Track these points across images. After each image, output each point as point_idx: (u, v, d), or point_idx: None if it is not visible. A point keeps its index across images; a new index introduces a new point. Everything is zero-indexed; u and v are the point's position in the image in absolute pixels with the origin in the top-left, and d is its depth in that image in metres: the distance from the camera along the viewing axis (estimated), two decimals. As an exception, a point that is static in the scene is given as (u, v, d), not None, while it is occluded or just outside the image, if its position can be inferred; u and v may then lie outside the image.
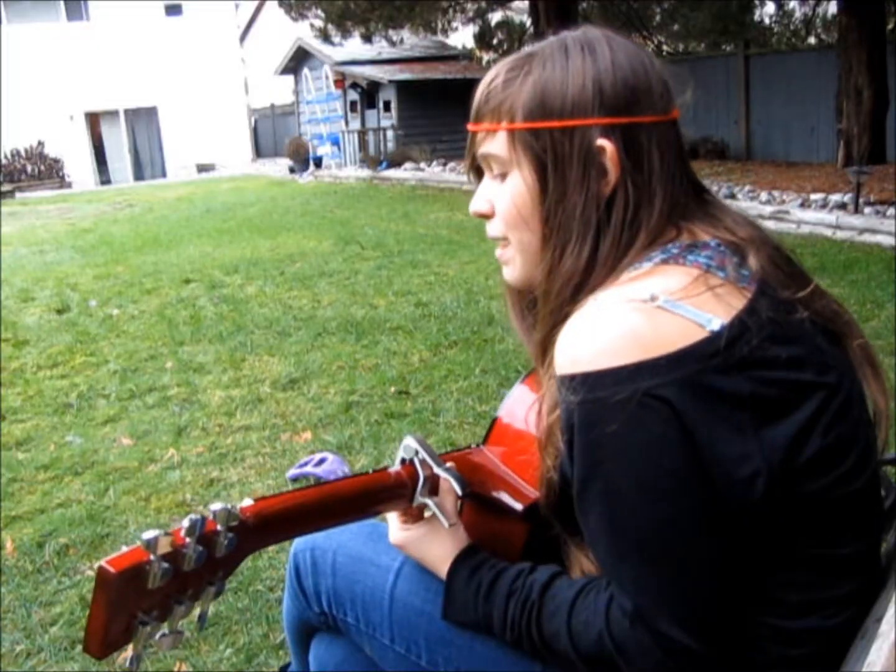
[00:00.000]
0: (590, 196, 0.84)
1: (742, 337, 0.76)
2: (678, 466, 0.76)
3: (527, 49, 0.90)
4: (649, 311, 0.76)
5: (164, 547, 0.77)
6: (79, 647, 1.98)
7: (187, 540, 0.80)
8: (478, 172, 0.96)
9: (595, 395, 0.76)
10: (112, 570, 0.75)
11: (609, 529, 0.80)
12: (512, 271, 0.95)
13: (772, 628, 0.83)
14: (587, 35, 0.88)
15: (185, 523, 0.79)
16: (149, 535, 0.76)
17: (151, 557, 0.77)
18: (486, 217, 0.94)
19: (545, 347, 0.89)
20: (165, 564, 0.77)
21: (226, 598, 2.13)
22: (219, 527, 0.82)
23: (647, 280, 0.80)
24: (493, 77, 0.89)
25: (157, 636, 0.81)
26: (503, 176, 0.90)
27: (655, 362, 0.74)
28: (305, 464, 2.92)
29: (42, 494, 2.85)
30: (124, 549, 0.78)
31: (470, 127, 0.92)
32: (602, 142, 0.84)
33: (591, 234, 0.85)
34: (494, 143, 0.89)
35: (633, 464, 0.76)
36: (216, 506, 0.82)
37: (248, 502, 0.88)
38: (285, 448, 3.15)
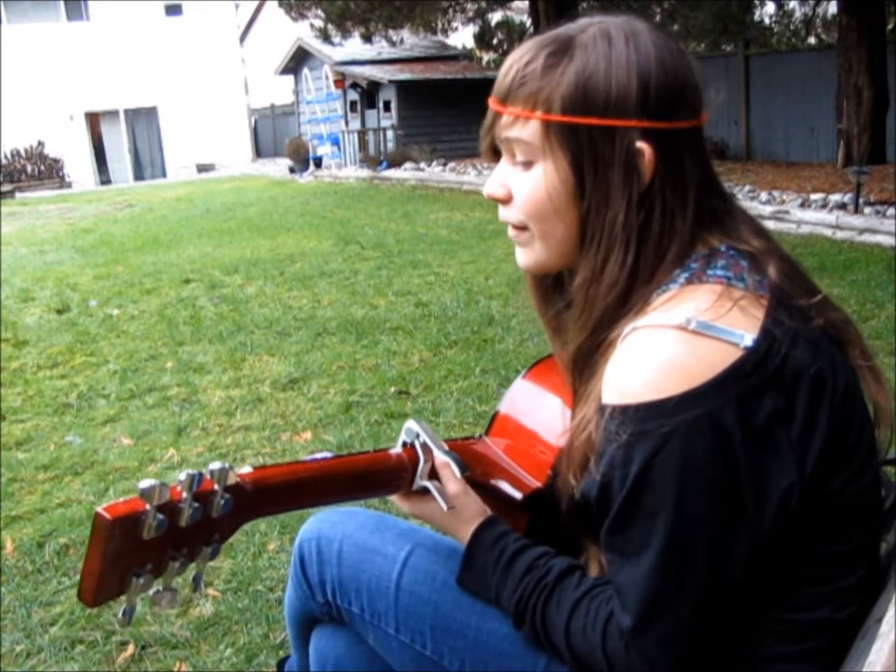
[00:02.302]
0: (631, 201, 0.83)
1: (772, 348, 0.77)
2: (723, 492, 0.77)
3: (563, 30, 0.87)
4: (687, 338, 0.77)
5: (160, 498, 0.77)
6: (79, 647, 1.98)
7: (184, 494, 0.80)
8: (495, 153, 0.92)
9: (642, 428, 0.77)
10: (108, 516, 0.76)
11: (645, 552, 0.80)
12: (528, 256, 0.93)
13: (781, 622, 0.84)
14: (631, 26, 0.85)
15: (182, 477, 0.80)
16: (145, 484, 0.77)
17: (147, 507, 0.77)
18: (501, 202, 0.91)
19: (581, 356, 0.89)
20: (161, 516, 0.78)
21: (226, 597, 2.13)
22: (216, 486, 0.82)
23: (678, 304, 0.80)
24: (529, 59, 0.85)
25: (152, 592, 0.82)
26: (527, 164, 0.87)
27: (697, 391, 0.75)
28: (305, 464, 2.91)
29: (42, 494, 2.85)
30: (122, 498, 0.79)
31: (496, 107, 0.88)
32: (641, 145, 0.82)
33: (634, 241, 0.83)
34: (525, 130, 0.85)
35: (680, 491, 0.77)
36: (214, 465, 0.82)
37: (246, 469, 0.88)
38: (285, 448, 3.15)
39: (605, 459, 0.81)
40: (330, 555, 1.14)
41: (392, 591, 1.08)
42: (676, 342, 0.77)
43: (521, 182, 0.88)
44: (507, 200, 0.91)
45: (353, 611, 1.11)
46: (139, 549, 0.79)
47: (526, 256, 0.94)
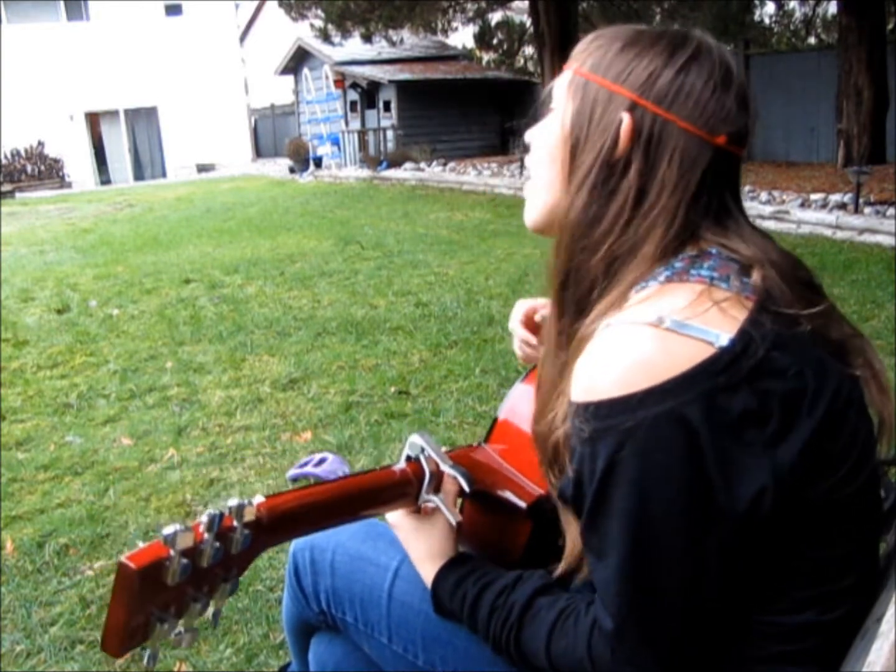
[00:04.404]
0: (599, 157, 0.87)
1: (748, 349, 0.76)
2: (689, 489, 0.76)
3: (642, 26, 0.94)
4: (659, 336, 0.76)
5: (183, 542, 0.77)
6: (79, 647, 1.98)
7: (206, 536, 0.79)
8: None
9: (606, 424, 0.76)
10: (133, 565, 0.75)
11: (613, 551, 0.79)
12: (526, 209, 0.99)
13: (769, 625, 0.83)
14: (687, 33, 0.90)
15: (204, 519, 0.79)
16: (169, 530, 0.76)
17: (171, 553, 0.77)
18: (529, 147, 0.99)
19: (557, 305, 0.92)
20: (185, 560, 0.77)
21: (226, 598, 2.13)
22: (235, 523, 0.82)
23: (654, 302, 0.79)
24: (595, 33, 0.94)
25: (173, 634, 0.81)
26: (551, 111, 0.95)
27: (663, 386, 0.74)
28: (305, 464, 2.92)
29: (42, 494, 2.85)
30: (141, 544, 0.78)
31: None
32: (624, 115, 0.86)
33: (587, 191, 0.88)
34: (559, 79, 0.94)
35: (644, 488, 0.76)
36: (232, 501, 0.82)
37: (259, 499, 0.88)
38: (285, 448, 3.15)
39: (575, 457, 0.81)
40: (323, 564, 1.15)
41: (384, 600, 1.08)
42: (647, 339, 0.76)
43: (538, 127, 0.97)
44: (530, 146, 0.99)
45: (348, 620, 1.12)
46: (163, 594, 0.78)
47: (524, 211, 0.99)
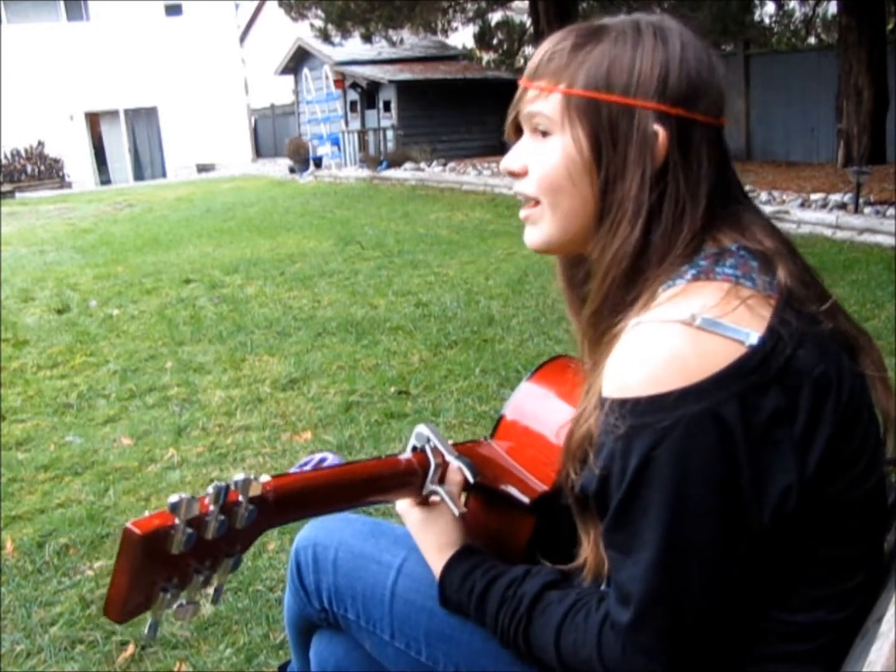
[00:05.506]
0: (644, 179, 0.84)
1: (777, 347, 0.76)
2: (722, 487, 0.76)
3: (598, 21, 0.90)
4: (691, 334, 0.76)
5: (189, 512, 0.77)
6: (79, 647, 1.98)
7: (211, 508, 0.80)
8: (518, 131, 0.95)
9: (642, 422, 0.76)
10: (138, 531, 0.75)
11: (643, 548, 0.79)
12: (536, 232, 0.93)
13: (782, 623, 0.84)
14: (662, 23, 0.88)
15: (210, 490, 0.79)
16: (175, 498, 0.76)
17: (176, 521, 0.77)
18: (517, 176, 0.93)
19: (592, 325, 0.90)
20: (189, 530, 0.77)
21: (226, 598, 2.13)
22: (240, 497, 0.82)
23: (683, 300, 0.80)
24: (560, 39, 0.89)
25: (175, 606, 0.81)
26: (546, 137, 0.89)
27: (698, 386, 0.75)
28: (305, 464, 2.90)
29: (42, 494, 2.85)
30: (147, 513, 0.78)
31: (524, 83, 0.91)
32: (657, 127, 0.84)
33: (643, 219, 0.85)
34: (546, 104, 0.88)
35: (679, 486, 0.76)
36: (238, 476, 0.82)
37: (265, 478, 0.88)
38: (285, 448, 3.15)
39: (603, 453, 0.80)
40: (326, 562, 1.15)
41: (387, 598, 1.08)
42: (679, 337, 0.77)
43: (539, 154, 0.90)
44: (522, 174, 0.92)
45: (350, 617, 1.12)
46: (166, 564, 0.78)
47: (533, 234, 0.94)
